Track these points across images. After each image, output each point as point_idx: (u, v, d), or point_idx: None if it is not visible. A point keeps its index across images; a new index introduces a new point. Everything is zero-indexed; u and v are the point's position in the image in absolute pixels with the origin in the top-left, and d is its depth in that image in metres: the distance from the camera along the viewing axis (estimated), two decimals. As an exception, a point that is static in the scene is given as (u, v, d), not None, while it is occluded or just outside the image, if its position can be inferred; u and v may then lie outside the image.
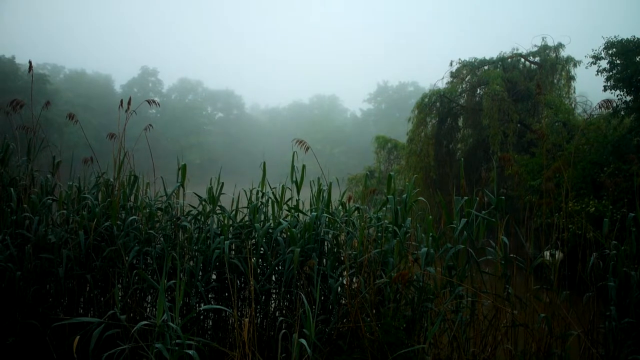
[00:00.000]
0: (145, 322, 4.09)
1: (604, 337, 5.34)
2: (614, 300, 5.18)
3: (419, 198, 6.44)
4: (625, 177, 11.69)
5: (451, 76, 23.48)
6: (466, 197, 5.40)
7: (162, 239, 6.18)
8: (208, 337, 5.95)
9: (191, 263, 5.86)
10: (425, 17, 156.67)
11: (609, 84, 14.44)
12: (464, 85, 23.21)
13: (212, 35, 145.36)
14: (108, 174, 6.74)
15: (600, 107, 6.01)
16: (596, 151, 14.94)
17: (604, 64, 14.68)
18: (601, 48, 14.69)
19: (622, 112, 14.61)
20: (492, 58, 22.99)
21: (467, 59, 23.20)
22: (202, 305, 5.79)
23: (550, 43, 22.78)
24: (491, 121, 20.15)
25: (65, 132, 50.04)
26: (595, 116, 17.08)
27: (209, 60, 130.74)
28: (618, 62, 14.26)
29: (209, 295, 6.09)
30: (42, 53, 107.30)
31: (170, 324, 3.94)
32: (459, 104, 23.01)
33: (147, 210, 6.33)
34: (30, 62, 7.71)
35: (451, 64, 23.44)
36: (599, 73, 14.79)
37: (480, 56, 23.24)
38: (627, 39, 14.18)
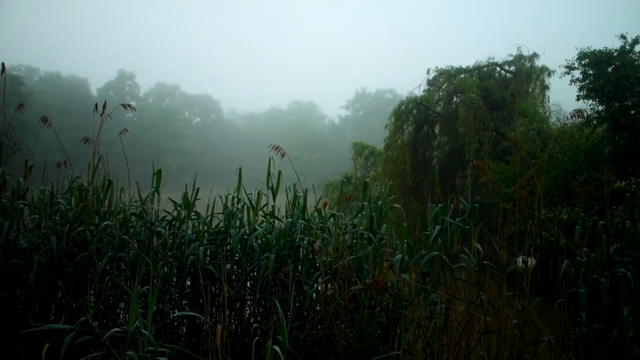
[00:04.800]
0: (117, 329, 4.04)
1: (574, 342, 5.42)
2: (584, 306, 5.27)
3: (394, 205, 6.48)
4: (597, 186, 11.89)
5: (428, 84, 23.64)
6: (440, 205, 5.45)
7: (136, 244, 6.12)
8: (182, 344, 5.89)
9: (165, 269, 5.81)
10: (403, 26, 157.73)
11: (581, 94, 14.69)
12: (440, 93, 23.39)
13: (190, 40, 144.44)
14: (82, 178, 6.66)
15: (572, 117, 6.12)
16: (569, 159, 15.16)
17: (577, 74, 14.93)
18: (574, 58, 14.94)
19: (595, 122, 14.87)
20: (469, 67, 23.22)
21: (444, 67, 23.40)
22: (176, 311, 5.75)
23: (525, 53, 23.12)
24: (467, 129, 20.35)
25: (39, 135, 49.36)
26: (568, 125, 17.35)
27: (187, 64, 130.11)
28: (591, 72, 14.51)
29: (183, 302, 6.05)
30: (16, 54, 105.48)
31: (143, 330, 3.90)
32: (436, 111, 23.19)
33: (121, 216, 6.28)
34: (2, 64, 7.58)
35: (428, 72, 23.64)
36: (573, 83, 15.04)
37: (456, 64, 23.49)
38: (600, 50, 14.44)
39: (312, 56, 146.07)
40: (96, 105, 6.55)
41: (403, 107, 23.01)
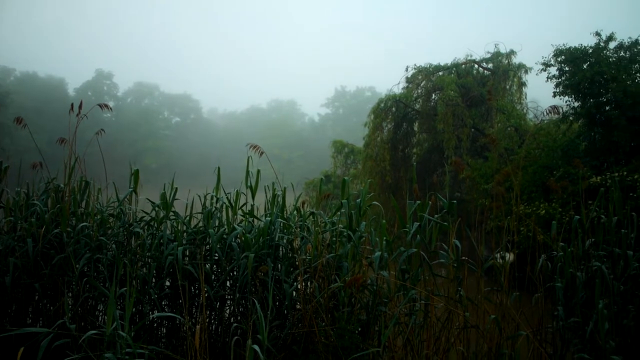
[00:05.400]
0: (94, 332, 4.00)
1: (552, 336, 5.48)
2: (561, 300, 5.33)
3: (373, 202, 6.50)
4: (573, 181, 12.04)
5: (407, 81, 23.77)
6: (419, 201, 5.48)
7: (114, 245, 6.07)
8: (162, 345, 5.86)
9: (144, 270, 5.77)
10: (383, 24, 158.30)
11: (558, 90, 14.85)
12: (419, 91, 23.54)
13: (169, 39, 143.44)
14: (58, 179, 6.58)
15: (548, 113, 6.20)
16: (546, 155, 15.35)
17: (553, 70, 15.08)
18: (551, 55, 15.10)
19: (571, 118, 15.05)
20: (447, 64, 23.38)
21: (423, 65, 23.55)
22: (155, 312, 5.71)
23: (502, 50, 23.33)
24: (446, 126, 20.50)
25: (15, 136, 48.72)
26: (545, 121, 17.55)
27: (166, 64, 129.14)
28: (566, 69, 14.67)
29: (163, 303, 6.01)
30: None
31: (121, 332, 3.87)
32: (415, 109, 23.31)
33: (99, 217, 6.22)
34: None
35: (407, 70, 23.77)
36: (549, 80, 15.20)
37: (435, 62, 23.64)
38: (575, 47, 14.62)
39: (291, 54, 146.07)
40: (72, 105, 6.47)
41: (382, 105, 23.10)
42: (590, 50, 14.38)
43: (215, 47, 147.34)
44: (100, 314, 6.02)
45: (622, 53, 14.51)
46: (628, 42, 14.41)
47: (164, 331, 6.17)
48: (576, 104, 14.66)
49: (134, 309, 5.65)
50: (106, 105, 6.77)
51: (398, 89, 23.83)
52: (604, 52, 14.45)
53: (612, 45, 14.62)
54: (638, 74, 14.31)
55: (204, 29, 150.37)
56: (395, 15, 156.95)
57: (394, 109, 23.08)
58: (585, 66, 14.25)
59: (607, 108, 13.82)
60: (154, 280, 5.77)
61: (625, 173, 11.49)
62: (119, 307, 5.35)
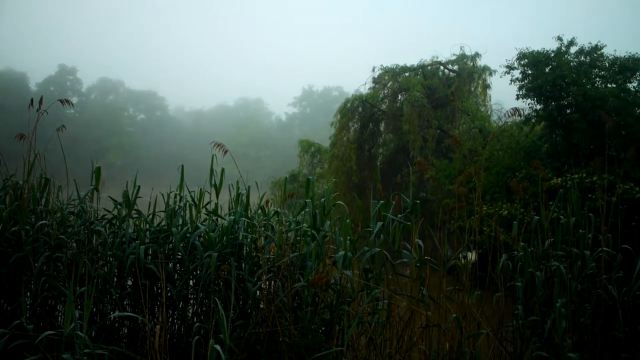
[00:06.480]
0: (51, 332, 3.92)
1: (512, 335, 5.58)
2: (521, 299, 5.43)
3: (338, 202, 6.52)
4: (534, 182, 12.27)
5: (373, 82, 23.88)
6: (382, 201, 5.51)
7: (74, 244, 5.96)
8: (123, 345, 5.77)
9: (105, 269, 5.68)
10: (351, 24, 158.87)
11: (521, 93, 15.11)
12: (385, 91, 23.68)
13: (134, 35, 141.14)
14: (17, 176, 6.43)
15: (510, 115, 6.30)
16: (509, 157, 15.62)
17: (516, 73, 15.34)
18: (514, 58, 15.37)
19: (533, 120, 15.33)
20: (413, 65, 23.57)
21: (389, 66, 23.69)
22: (117, 312, 5.62)
23: (468, 52, 23.63)
24: (411, 127, 20.68)
25: (-29, 132, 47.39)
26: (508, 123, 17.85)
27: (131, 60, 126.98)
28: (529, 72, 14.95)
29: (125, 302, 5.92)
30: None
31: (79, 332, 3.80)
32: (381, 109, 23.45)
33: (59, 215, 6.10)
34: None
35: (373, 70, 23.89)
36: (512, 82, 15.47)
37: (401, 63, 23.81)
38: (538, 50, 14.91)
39: (259, 53, 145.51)
40: (31, 100, 6.33)
41: (349, 105, 23.20)
42: (552, 55, 14.69)
43: (176, 45, 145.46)
44: (60, 314, 5.90)
45: (582, 58, 14.86)
46: (588, 47, 14.78)
47: (126, 331, 6.08)
48: (538, 107, 14.95)
49: (94, 309, 5.56)
50: (67, 101, 6.65)
51: (365, 89, 23.97)
52: (566, 56, 14.78)
53: (573, 50, 14.96)
54: (597, 79, 14.69)
55: (159, 24, 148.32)
56: (359, 14, 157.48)
57: (360, 109, 23.19)
58: (547, 70, 14.55)
59: (568, 111, 14.12)
60: (115, 279, 5.69)
61: (584, 175, 11.76)
62: (78, 306, 5.25)
